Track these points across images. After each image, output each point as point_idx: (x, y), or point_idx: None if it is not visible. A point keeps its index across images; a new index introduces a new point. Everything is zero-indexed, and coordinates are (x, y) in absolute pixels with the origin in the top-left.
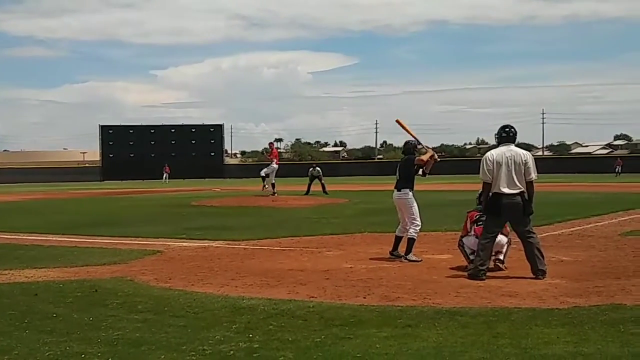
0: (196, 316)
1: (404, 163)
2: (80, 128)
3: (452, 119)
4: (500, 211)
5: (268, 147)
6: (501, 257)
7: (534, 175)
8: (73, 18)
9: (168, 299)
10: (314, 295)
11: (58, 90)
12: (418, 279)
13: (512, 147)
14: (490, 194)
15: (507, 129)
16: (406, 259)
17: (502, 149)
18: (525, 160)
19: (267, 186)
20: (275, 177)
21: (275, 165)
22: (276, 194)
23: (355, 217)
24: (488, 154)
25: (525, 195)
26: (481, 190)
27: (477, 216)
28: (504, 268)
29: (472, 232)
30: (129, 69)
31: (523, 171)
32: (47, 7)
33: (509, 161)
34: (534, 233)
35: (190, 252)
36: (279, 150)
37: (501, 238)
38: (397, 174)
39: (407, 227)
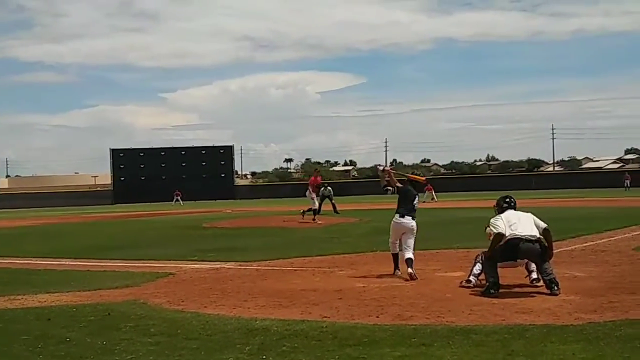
0: (209, 338)
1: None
2: (91, 152)
3: (461, 136)
4: (517, 256)
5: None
6: (534, 275)
7: (543, 223)
8: (81, 43)
9: (181, 321)
10: (327, 315)
11: (68, 115)
12: (431, 297)
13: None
14: (507, 240)
15: (508, 200)
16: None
17: (507, 212)
18: (530, 216)
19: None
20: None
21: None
22: (304, 215)
23: (366, 236)
24: (495, 217)
25: (544, 242)
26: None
27: None
28: (539, 285)
29: None
30: (138, 92)
31: (532, 223)
32: (56, 33)
33: (517, 216)
34: (550, 267)
35: (202, 274)
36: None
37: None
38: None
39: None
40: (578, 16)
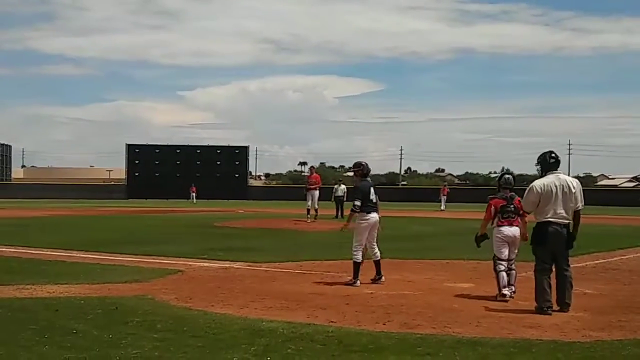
0: (215, 337)
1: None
2: (107, 146)
3: (477, 147)
4: (546, 241)
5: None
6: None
7: (580, 204)
8: (102, 38)
9: (188, 319)
10: (334, 320)
11: (86, 108)
12: (439, 307)
13: (561, 175)
14: (537, 223)
15: (554, 155)
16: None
17: (551, 177)
18: (574, 190)
19: (310, 218)
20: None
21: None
22: (310, 219)
23: None
24: (537, 183)
25: (571, 226)
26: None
27: (503, 206)
28: None
29: (495, 224)
30: (157, 89)
31: (572, 201)
32: (78, 26)
33: (559, 190)
34: (569, 267)
35: (211, 273)
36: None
37: None
38: (376, 197)
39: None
40: (600, 33)
